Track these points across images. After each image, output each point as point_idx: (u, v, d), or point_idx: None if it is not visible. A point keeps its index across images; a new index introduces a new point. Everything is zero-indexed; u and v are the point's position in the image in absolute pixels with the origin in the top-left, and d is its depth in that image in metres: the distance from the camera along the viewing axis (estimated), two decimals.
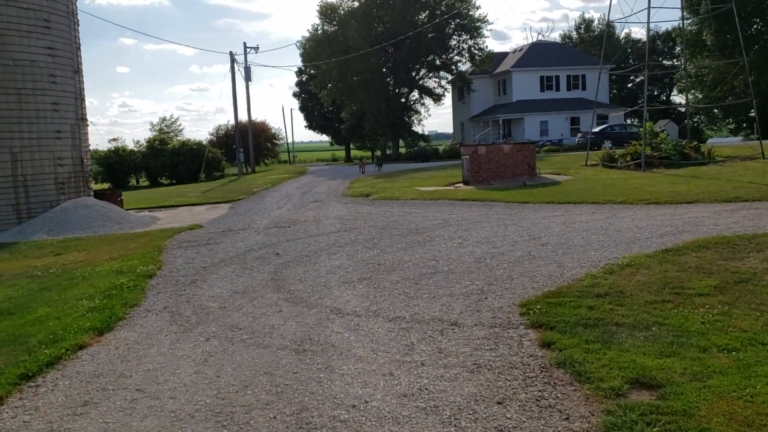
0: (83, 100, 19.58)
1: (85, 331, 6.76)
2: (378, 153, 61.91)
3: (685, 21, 36.07)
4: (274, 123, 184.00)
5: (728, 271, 7.47)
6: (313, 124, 74.33)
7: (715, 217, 11.74)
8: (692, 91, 51.46)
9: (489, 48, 56.89)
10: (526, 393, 4.66)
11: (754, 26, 47.84)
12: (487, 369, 5.15)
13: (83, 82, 19.66)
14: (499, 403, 4.52)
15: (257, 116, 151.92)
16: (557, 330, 5.83)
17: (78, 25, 19.62)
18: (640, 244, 9.54)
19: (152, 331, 6.85)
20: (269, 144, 64.80)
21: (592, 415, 4.22)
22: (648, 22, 26.51)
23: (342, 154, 78.77)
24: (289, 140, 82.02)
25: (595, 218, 12.67)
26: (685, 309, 6.20)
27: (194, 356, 5.91)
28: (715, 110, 53.02)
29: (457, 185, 22.90)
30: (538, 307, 6.57)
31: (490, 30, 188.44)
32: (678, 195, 15.34)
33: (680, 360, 4.94)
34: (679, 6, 29.75)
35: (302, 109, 73.97)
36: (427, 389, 4.83)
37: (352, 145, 72.52)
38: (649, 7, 25.40)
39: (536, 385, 4.79)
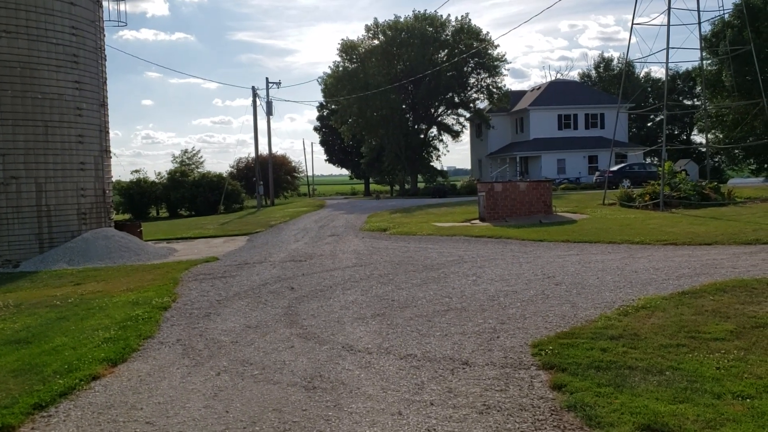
0: (107, 132, 20.04)
1: (100, 361, 6.84)
2: (397, 187, 62.17)
3: (704, 61, 36.19)
4: (295, 156, 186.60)
5: (745, 316, 7.37)
6: (333, 158, 75.20)
7: (733, 259, 11.61)
8: (713, 131, 51.24)
9: (507, 86, 57.40)
10: None
11: None
12: (497, 410, 5.11)
13: (108, 115, 20.15)
14: None
15: (278, 149, 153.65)
16: (569, 372, 5.79)
17: (105, 60, 20.19)
18: (656, 285, 9.46)
19: (164, 363, 6.90)
20: (289, 177, 65.58)
21: None
22: (667, 62, 26.66)
23: (361, 187, 79.39)
24: (309, 173, 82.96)
25: (610, 258, 12.58)
26: (700, 354, 6.13)
27: (204, 390, 5.93)
28: (736, 150, 52.69)
29: (473, 221, 22.91)
30: (551, 347, 6.53)
31: (509, 69, 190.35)
32: (696, 236, 15.21)
33: (693, 406, 4.88)
34: (698, 47, 29.91)
35: (323, 143, 74.96)
36: (435, 430, 4.80)
37: (371, 180, 73.07)
38: (668, 48, 25.59)
39: (545, 428, 4.74)
